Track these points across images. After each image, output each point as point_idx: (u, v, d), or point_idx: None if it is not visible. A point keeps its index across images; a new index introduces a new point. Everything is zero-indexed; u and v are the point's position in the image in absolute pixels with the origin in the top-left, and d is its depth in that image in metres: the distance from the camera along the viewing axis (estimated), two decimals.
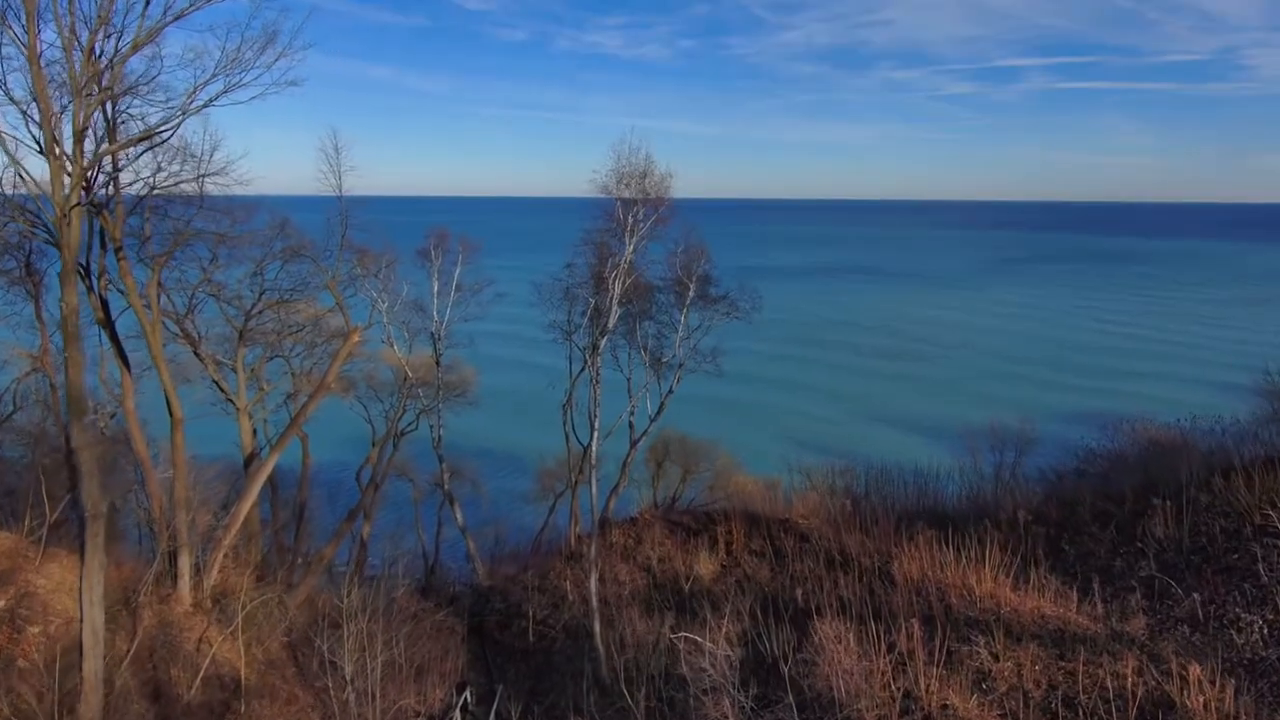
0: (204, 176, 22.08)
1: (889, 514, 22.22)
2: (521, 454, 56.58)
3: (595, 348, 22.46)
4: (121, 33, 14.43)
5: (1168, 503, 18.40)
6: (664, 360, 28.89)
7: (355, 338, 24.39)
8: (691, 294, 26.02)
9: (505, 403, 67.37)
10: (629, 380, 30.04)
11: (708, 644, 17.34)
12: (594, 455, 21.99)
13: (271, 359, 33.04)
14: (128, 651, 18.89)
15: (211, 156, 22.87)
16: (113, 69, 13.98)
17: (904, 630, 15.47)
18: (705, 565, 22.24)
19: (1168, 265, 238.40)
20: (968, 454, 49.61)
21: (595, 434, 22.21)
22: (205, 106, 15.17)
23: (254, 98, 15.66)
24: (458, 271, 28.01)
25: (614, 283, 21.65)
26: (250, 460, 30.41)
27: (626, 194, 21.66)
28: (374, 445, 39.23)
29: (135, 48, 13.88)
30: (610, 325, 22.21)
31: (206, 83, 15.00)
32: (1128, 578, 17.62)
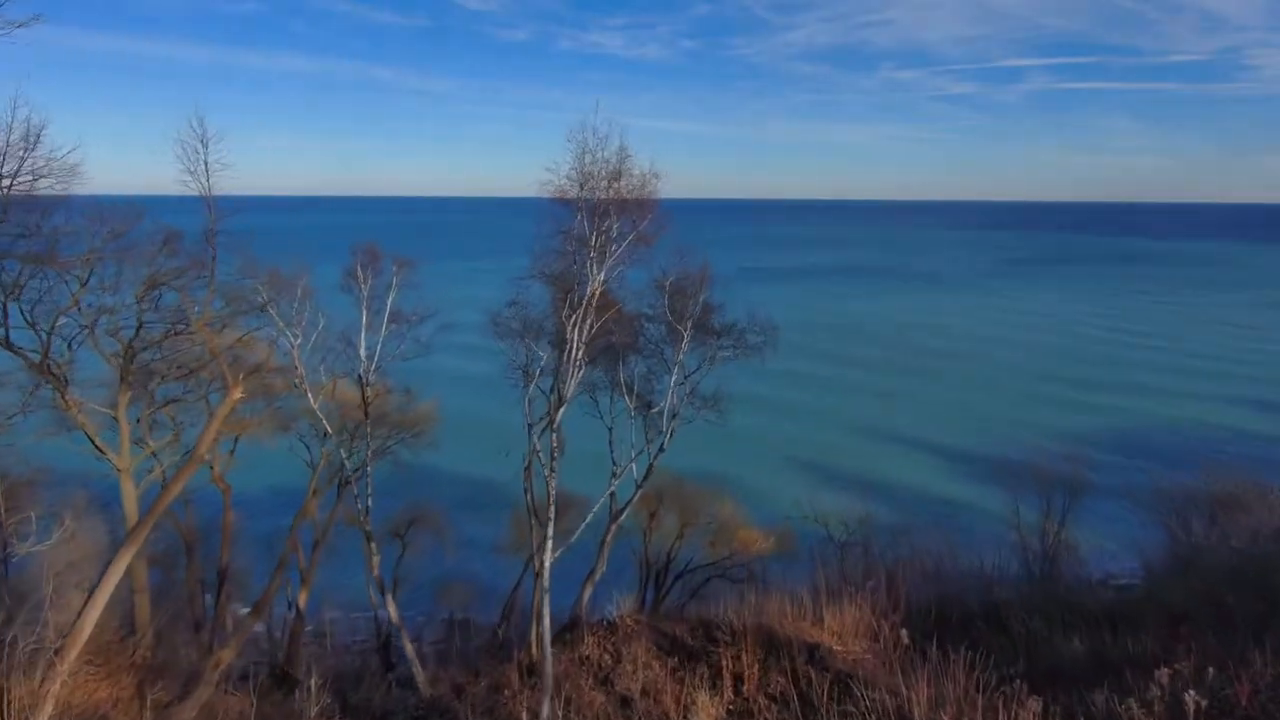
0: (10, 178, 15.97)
1: (957, 646, 15.96)
2: (498, 490, 50.46)
3: (552, 422, 16.35)
4: None
5: None
6: (654, 408, 22.75)
7: (236, 394, 18.29)
8: (686, 339, 19.84)
9: (481, 429, 61.12)
10: (610, 431, 23.86)
11: None
12: (546, 579, 15.81)
13: (169, 403, 26.92)
14: None
15: (32, 149, 16.83)
16: None
17: None
18: (705, 710, 16.17)
19: (1177, 266, 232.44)
20: (1008, 496, 43.54)
21: (547, 549, 15.98)
22: None
23: None
24: (391, 298, 21.83)
25: (573, 331, 15.52)
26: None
27: (593, 196, 15.55)
28: (311, 493, 33.20)
29: None
30: (568, 394, 16.09)
31: None
32: None
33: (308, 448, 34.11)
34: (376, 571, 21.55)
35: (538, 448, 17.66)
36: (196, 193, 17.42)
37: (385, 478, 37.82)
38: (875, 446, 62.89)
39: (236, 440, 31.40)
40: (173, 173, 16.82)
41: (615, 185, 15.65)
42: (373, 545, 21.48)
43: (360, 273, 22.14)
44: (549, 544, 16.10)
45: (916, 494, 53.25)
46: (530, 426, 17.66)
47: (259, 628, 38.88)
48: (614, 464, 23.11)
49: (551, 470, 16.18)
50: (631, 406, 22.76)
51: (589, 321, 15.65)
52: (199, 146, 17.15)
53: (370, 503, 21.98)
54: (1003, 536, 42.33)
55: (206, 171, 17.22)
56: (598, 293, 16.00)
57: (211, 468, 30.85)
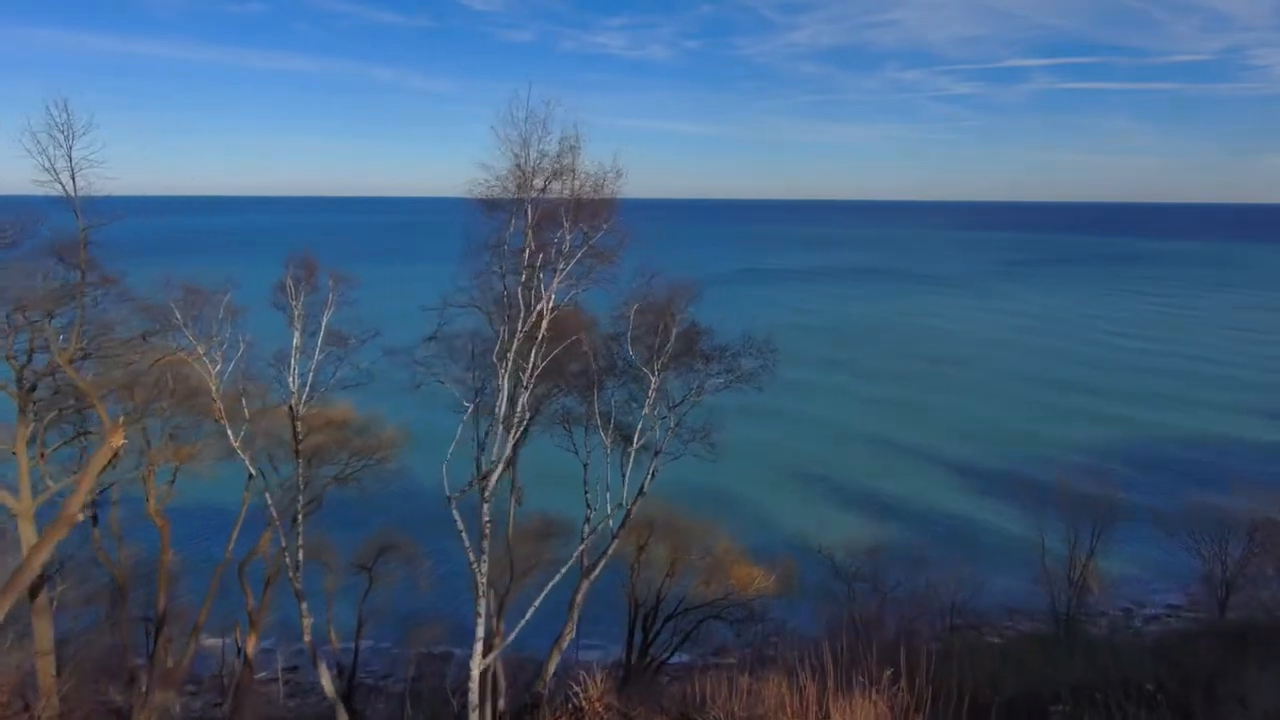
0: None
1: None
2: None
3: (482, 493, 13.06)
4: None
5: None
6: (635, 443, 19.53)
7: (117, 441, 15.13)
8: (656, 381, 16.60)
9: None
10: (586, 467, 20.62)
11: None
12: (474, 693, 12.61)
13: (80, 435, 23.69)
14: None
15: None
16: None
17: None
18: None
19: (1184, 267, 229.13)
20: (1027, 518, 40.16)
21: (476, 654, 12.78)
22: None
23: None
24: (326, 317, 18.62)
25: (505, 378, 12.22)
26: (37, 590, 21.07)
27: (530, 198, 12.23)
28: (269, 525, 29.98)
29: None
30: (501, 458, 12.75)
31: None
32: None
33: (263, 475, 30.96)
34: (309, 636, 18.32)
35: (462, 528, 14.22)
36: (59, 193, 14.20)
37: (354, 502, 34.66)
38: (882, 462, 59.43)
39: (176, 471, 28.23)
40: (29, 171, 13.59)
41: (559, 185, 12.35)
42: (305, 606, 18.28)
43: (292, 288, 18.88)
44: (479, 646, 12.86)
45: (928, 515, 49.88)
46: (452, 500, 14.13)
47: (211, 670, 35.75)
48: (588, 506, 19.89)
49: (483, 553, 12.91)
50: (608, 441, 19.55)
51: (534, 359, 12.37)
52: (60, 139, 13.90)
53: (302, 556, 18.74)
54: (1024, 559, 38.96)
55: (71, 168, 14.00)
56: (545, 323, 12.77)
57: (148, 501, 27.73)
